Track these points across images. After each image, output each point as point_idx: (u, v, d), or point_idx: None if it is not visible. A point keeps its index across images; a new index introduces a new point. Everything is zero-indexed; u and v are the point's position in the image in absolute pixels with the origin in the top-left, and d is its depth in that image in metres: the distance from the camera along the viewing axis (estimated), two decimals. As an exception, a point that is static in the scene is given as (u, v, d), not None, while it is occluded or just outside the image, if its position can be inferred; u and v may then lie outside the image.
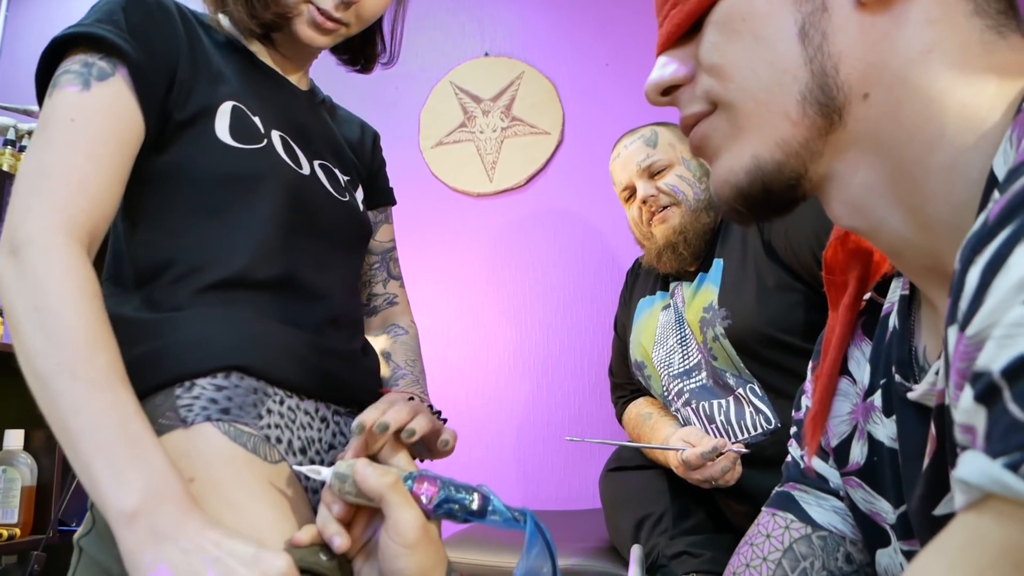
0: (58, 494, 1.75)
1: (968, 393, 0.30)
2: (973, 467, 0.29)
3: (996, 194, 0.36)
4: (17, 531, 1.67)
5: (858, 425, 0.62)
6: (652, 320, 1.52)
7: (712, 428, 1.36)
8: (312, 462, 0.81)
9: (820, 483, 0.68)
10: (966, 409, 0.30)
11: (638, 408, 1.58)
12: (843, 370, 0.64)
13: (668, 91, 0.54)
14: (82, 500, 1.00)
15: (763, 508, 0.72)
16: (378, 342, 1.03)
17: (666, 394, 1.47)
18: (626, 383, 1.65)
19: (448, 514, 0.65)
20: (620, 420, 1.67)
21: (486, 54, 2.29)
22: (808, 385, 0.72)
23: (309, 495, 0.78)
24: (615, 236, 2.06)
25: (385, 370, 0.98)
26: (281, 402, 0.79)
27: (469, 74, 2.30)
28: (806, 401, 0.72)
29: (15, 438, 1.73)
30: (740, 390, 1.32)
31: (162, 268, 0.80)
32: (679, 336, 1.43)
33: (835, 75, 0.45)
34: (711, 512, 1.40)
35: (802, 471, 0.69)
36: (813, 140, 0.46)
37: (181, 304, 0.78)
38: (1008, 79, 0.42)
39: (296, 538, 0.66)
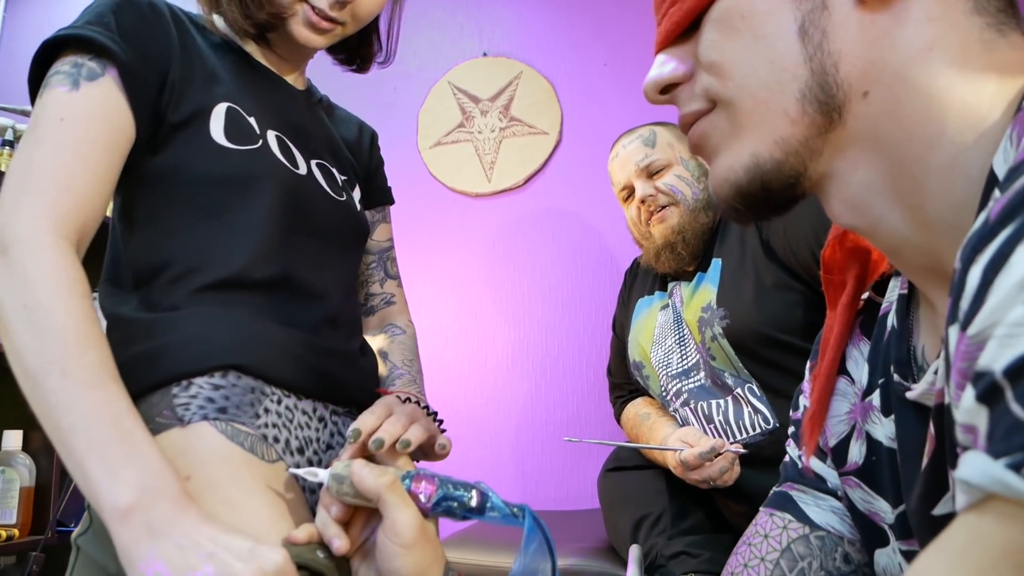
0: (56, 495, 1.75)
1: (970, 393, 0.30)
2: (975, 467, 0.28)
3: (997, 193, 0.36)
4: (15, 532, 1.67)
5: (856, 425, 0.62)
6: (650, 320, 1.52)
7: (710, 428, 1.36)
8: (310, 462, 0.81)
9: (818, 483, 0.68)
10: (968, 409, 0.30)
11: (636, 408, 1.58)
12: (841, 370, 0.64)
13: (667, 89, 0.53)
14: (80, 501, 1.00)
15: (761, 508, 0.72)
16: (375, 341, 1.03)
17: (664, 394, 1.47)
18: (624, 383, 1.65)
19: (447, 511, 0.65)
20: (618, 420, 1.67)
21: (484, 54, 2.29)
22: (806, 385, 0.72)
23: (307, 495, 0.78)
24: (613, 236, 2.06)
25: (382, 369, 0.98)
26: (279, 402, 0.79)
27: (467, 74, 2.30)
28: (804, 401, 0.72)
29: (13, 439, 1.73)
30: (738, 390, 1.32)
31: (159, 269, 0.80)
32: (677, 336, 1.43)
33: (835, 73, 0.45)
34: (709, 512, 1.40)
35: (800, 471, 0.69)
36: (812, 138, 0.46)
37: (178, 304, 0.78)
38: (1008, 77, 0.42)
39: (293, 536, 0.66)
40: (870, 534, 0.61)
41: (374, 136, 1.13)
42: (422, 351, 1.08)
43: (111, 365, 0.66)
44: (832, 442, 0.65)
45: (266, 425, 0.76)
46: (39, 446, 1.77)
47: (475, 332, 2.17)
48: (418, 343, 1.08)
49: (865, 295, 0.63)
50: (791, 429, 0.73)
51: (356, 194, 1.01)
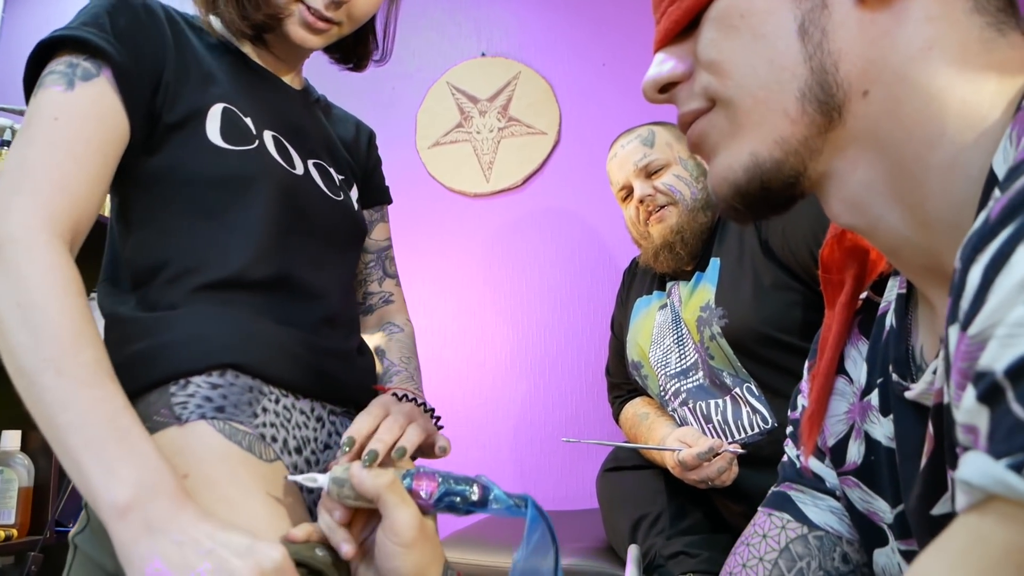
0: (55, 495, 1.74)
1: (970, 393, 0.30)
2: (975, 468, 0.28)
3: (997, 192, 0.36)
4: (14, 532, 1.66)
5: (855, 424, 0.62)
6: (649, 320, 1.52)
7: (709, 428, 1.36)
8: (308, 461, 0.81)
9: (816, 483, 0.67)
10: (968, 409, 0.30)
11: (635, 408, 1.58)
12: (840, 369, 0.64)
13: (666, 88, 0.53)
14: (79, 501, 1.00)
15: (759, 508, 0.72)
16: (373, 340, 1.03)
17: (663, 394, 1.47)
18: (623, 383, 1.65)
19: (450, 507, 0.65)
20: (617, 420, 1.67)
21: (483, 54, 2.29)
22: (804, 385, 0.72)
23: (304, 494, 0.78)
24: (612, 236, 2.06)
25: (379, 367, 0.98)
26: (276, 401, 0.79)
27: (466, 74, 2.29)
28: (802, 401, 0.72)
29: (12, 439, 1.72)
30: (737, 390, 1.32)
31: (157, 269, 0.80)
32: (676, 336, 1.43)
33: (835, 72, 0.44)
34: (708, 512, 1.40)
35: (798, 471, 0.69)
36: (812, 138, 0.46)
37: (177, 303, 0.78)
38: (1008, 76, 0.42)
39: (291, 534, 0.66)
40: (869, 534, 0.60)
41: (372, 135, 1.13)
42: (420, 351, 1.07)
43: (106, 363, 0.66)
44: (831, 442, 0.65)
45: (264, 424, 0.76)
46: (38, 446, 1.76)
47: (473, 332, 2.17)
48: (416, 342, 1.07)
49: (864, 294, 0.63)
50: (789, 429, 0.73)
51: (354, 193, 1.01)
